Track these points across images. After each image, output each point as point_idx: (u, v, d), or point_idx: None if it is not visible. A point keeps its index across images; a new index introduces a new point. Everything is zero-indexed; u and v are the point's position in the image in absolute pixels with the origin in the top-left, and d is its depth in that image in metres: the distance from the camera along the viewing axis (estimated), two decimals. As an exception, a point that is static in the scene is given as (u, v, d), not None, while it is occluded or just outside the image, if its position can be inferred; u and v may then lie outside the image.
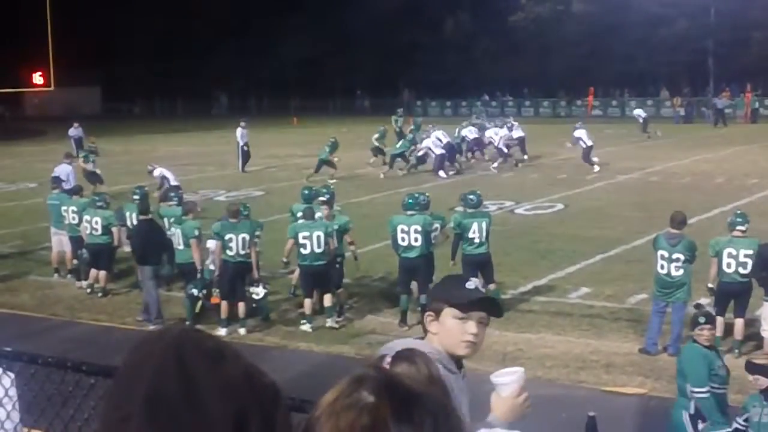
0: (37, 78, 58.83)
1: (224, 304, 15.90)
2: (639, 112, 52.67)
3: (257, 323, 16.08)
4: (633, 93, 74.88)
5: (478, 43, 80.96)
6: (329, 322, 15.57)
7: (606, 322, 15.63)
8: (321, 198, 17.11)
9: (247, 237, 15.82)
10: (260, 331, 15.64)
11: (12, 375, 3.93)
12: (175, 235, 16.65)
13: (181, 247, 16.46)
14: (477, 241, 15.98)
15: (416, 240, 15.69)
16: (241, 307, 15.87)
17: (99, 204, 18.66)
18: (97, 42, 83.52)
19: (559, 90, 78.33)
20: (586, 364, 13.50)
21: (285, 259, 16.48)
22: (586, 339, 14.76)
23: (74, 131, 49.40)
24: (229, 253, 15.82)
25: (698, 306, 10.23)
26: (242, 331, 15.50)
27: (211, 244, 16.68)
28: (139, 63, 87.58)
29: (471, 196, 16.71)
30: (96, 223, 18.31)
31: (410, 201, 16.30)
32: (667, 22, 71.27)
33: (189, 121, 59.46)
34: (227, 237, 15.83)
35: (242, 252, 15.80)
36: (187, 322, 15.80)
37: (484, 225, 16.02)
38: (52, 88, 60.03)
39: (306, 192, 17.89)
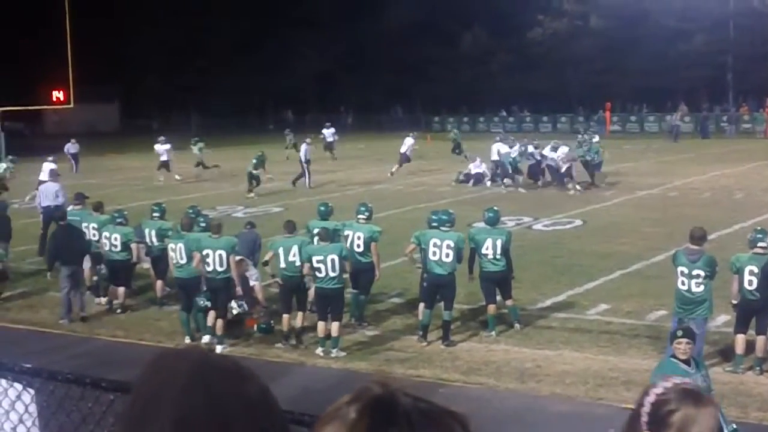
0: (57, 95, 59.31)
1: (212, 318, 16.05)
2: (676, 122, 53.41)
3: (238, 340, 16.18)
4: (651, 108, 74.73)
5: (496, 58, 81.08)
6: (333, 353, 15.14)
7: (625, 339, 15.55)
8: (360, 216, 17.17)
9: (224, 253, 15.78)
10: (276, 346, 15.62)
11: (32, 391, 3.93)
12: (177, 249, 16.62)
13: (184, 261, 16.44)
14: (491, 257, 15.90)
15: (447, 256, 15.62)
16: (219, 323, 15.89)
17: (119, 221, 18.75)
18: (115, 59, 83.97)
19: (576, 105, 78.28)
20: (605, 381, 13.43)
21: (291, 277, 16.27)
22: (605, 356, 14.68)
23: (71, 147, 49.77)
24: (207, 268, 15.86)
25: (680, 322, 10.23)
26: (219, 348, 15.20)
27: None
28: (156, 79, 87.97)
29: (489, 213, 16.73)
30: (115, 239, 18.39)
31: (444, 217, 16.26)
32: (685, 36, 71.18)
33: (206, 136, 59.37)
34: (204, 252, 15.85)
35: (219, 268, 15.79)
36: (207, 337, 15.86)
37: (499, 242, 15.89)
38: (71, 105, 60.50)
39: (322, 208, 17.90)
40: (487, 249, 15.88)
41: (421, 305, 16.14)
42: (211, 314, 16.06)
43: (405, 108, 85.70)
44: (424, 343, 15.55)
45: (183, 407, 1.68)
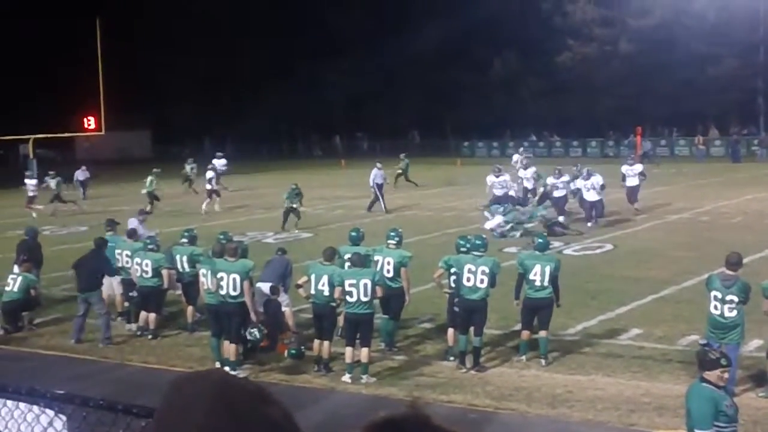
0: (89, 122, 59.86)
1: (226, 345, 16.06)
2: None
3: (268, 366, 16.16)
4: (681, 132, 74.45)
5: (525, 83, 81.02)
6: (364, 379, 15.10)
7: (657, 364, 15.45)
8: (390, 241, 17.20)
9: (238, 278, 15.73)
10: (305, 373, 15.61)
11: (64, 418, 3.95)
12: (207, 275, 16.56)
13: (213, 287, 16.37)
14: (538, 284, 15.82)
15: (482, 282, 15.60)
16: (232, 349, 15.88)
17: (150, 247, 18.87)
18: (146, 86, 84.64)
19: (606, 130, 78.10)
20: (637, 407, 13.34)
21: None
22: (637, 381, 14.59)
23: (81, 174, 50.22)
24: (220, 292, 15.84)
25: (707, 345, 9.98)
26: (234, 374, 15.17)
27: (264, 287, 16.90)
28: (188, 106, 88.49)
29: (539, 239, 16.85)
30: (146, 265, 18.49)
31: (478, 242, 16.28)
32: (715, 61, 70.90)
33: (238, 162, 59.50)
34: (219, 275, 15.84)
35: (233, 292, 15.75)
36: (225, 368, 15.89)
37: (548, 269, 15.81)
38: (102, 132, 61.07)
39: (354, 234, 17.95)
40: (535, 275, 15.82)
41: (451, 330, 16.15)
42: (227, 343, 16.08)
43: (435, 133, 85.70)
44: (464, 370, 15.50)
45: (209, 427, 1.69)
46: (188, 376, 1.84)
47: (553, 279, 15.88)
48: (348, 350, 15.28)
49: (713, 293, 13.76)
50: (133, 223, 23.04)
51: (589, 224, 31.57)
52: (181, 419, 1.73)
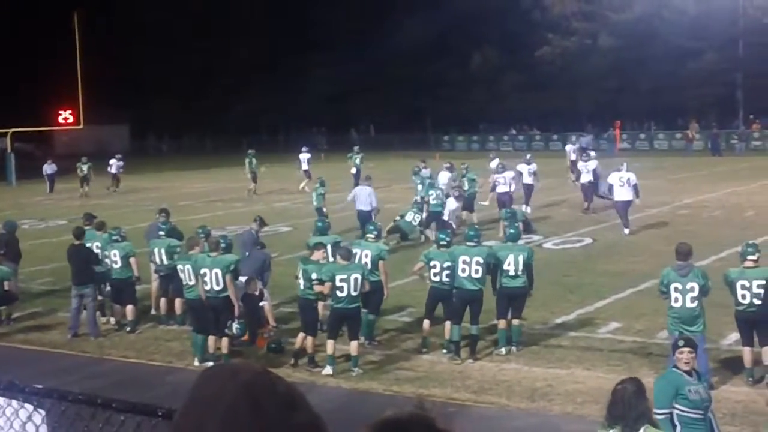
0: (67, 116, 59.58)
1: (214, 340, 16.01)
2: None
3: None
4: (661, 126, 74.69)
5: (506, 77, 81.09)
6: (355, 372, 15.13)
7: (636, 357, 15.51)
8: (369, 235, 17.23)
9: (220, 272, 15.74)
10: (288, 367, 15.58)
11: (43, 412, 3.94)
12: (185, 271, 16.59)
13: (192, 282, 16.40)
14: (512, 273, 15.94)
15: (477, 272, 15.70)
16: (224, 342, 15.90)
17: (114, 238, 18.78)
18: (125, 81, 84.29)
19: (586, 123, 78.26)
20: (617, 400, 13.37)
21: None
22: (616, 374, 14.57)
23: (48, 168, 50.12)
24: (205, 288, 15.83)
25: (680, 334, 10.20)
26: None
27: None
28: (167, 101, 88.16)
29: (511, 230, 17.02)
30: (115, 255, 18.43)
31: (471, 233, 16.50)
32: (695, 55, 71.16)
33: (218, 158, 59.69)
34: (202, 271, 15.84)
35: (216, 287, 15.76)
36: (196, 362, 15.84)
37: (521, 257, 15.94)
38: (81, 126, 60.78)
39: (320, 224, 18.16)
40: (509, 265, 15.94)
41: (427, 322, 16.21)
42: (211, 338, 16.06)
43: (416, 126, 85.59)
44: (459, 361, 15.54)
45: (229, 425, 1.67)
46: (218, 369, 1.83)
47: (528, 267, 16.03)
48: (330, 343, 15.24)
49: (673, 285, 13.77)
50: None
51: (528, 208, 32.33)
52: (204, 411, 1.71)
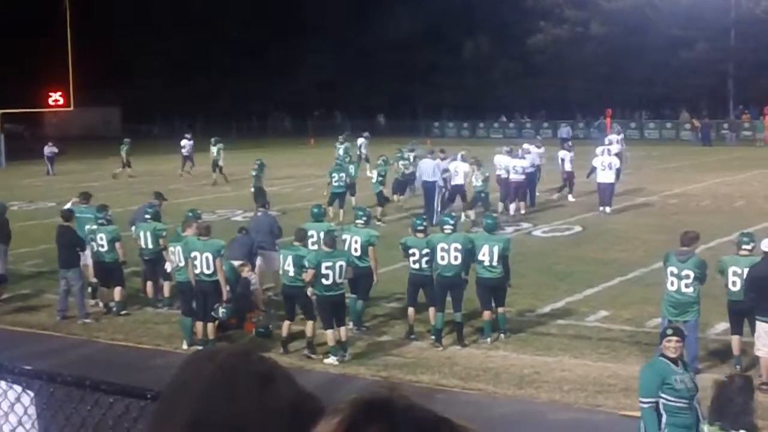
0: (57, 98, 59.35)
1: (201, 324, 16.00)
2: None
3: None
4: (652, 115, 74.74)
5: (497, 65, 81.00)
6: (347, 357, 15.12)
7: (624, 346, 15.55)
8: (359, 221, 17.24)
9: (210, 256, 15.72)
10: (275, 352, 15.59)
11: (31, 394, 3.94)
12: (176, 252, 16.57)
13: (182, 264, 16.38)
14: (487, 264, 15.86)
15: (456, 259, 15.70)
16: (210, 327, 15.90)
17: (100, 221, 18.69)
18: (117, 63, 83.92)
19: (577, 112, 78.31)
20: (604, 388, 13.43)
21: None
22: (604, 362, 14.68)
23: (48, 150, 50.06)
24: (194, 271, 15.83)
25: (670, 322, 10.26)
26: None
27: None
28: (158, 84, 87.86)
29: (488, 220, 16.86)
30: (101, 239, 18.35)
31: (446, 218, 16.48)
32: (687, 44, 71.14)
33: (208, 141, 59.45)
34: (192, 254, 15.82)
35: (206, 271, 15.74)
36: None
37: (496, 248, 15.82)
38: (71, 108, 60.57)
39: (315, 210, 18.11)
40: (483, 255, 15.85)
41: (411, 310, 16.22)
42: (199, 323, 16.06)
43: (407, 113, 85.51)
44: (441, 348, 15.56)
45: (202, 408, 1.67)
46: (198, 354, 1.83)
47: (503, 259, 15.93)
48: (330, 333, 15.14)
49: (669, 269, 13.93)
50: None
51: (571, 197, 32.95)
52: (178, 397, 1.72)
